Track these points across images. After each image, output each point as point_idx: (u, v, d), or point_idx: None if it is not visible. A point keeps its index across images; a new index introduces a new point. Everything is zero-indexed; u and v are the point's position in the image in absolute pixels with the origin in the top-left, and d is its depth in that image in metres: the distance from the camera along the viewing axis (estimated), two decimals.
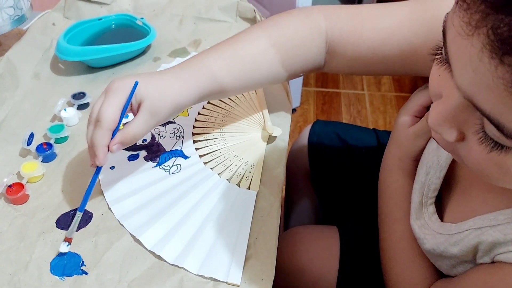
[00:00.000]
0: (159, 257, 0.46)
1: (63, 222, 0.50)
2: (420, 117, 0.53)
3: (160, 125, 0.61)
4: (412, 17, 0.49)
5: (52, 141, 0.58)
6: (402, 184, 0.55)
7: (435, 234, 0.47)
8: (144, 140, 0.60)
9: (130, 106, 0.48)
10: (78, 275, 0.45)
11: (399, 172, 0.55)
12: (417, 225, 0.50)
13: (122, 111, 0.47)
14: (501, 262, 0.39)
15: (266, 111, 0.63)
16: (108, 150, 0.47)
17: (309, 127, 0.83)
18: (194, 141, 0.60)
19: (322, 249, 0.63)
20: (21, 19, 0.75)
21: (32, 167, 0.54)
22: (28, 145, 0.57)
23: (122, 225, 0.49)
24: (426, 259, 0.50)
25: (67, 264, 0.46)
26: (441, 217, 0.48)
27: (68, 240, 0.47)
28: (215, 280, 0.45)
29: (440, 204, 0.50)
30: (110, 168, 0.55)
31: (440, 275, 0.50)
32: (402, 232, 0.53)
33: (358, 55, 0.52)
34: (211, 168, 0.56)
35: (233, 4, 0.83)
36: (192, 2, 0.85)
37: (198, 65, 0.51)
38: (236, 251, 0.47)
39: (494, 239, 0.39)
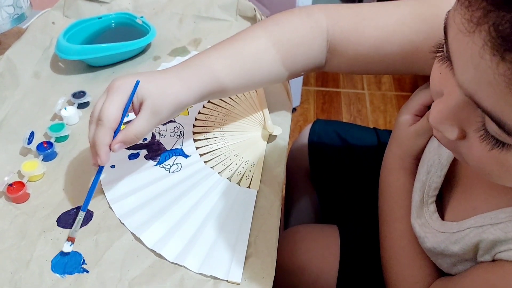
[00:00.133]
0: (160, 256, 0.46)
1: (64, 220, 0.50)
2: (421, 116, 0.53)
3: (160, 124, 0.61)
4: (413, 15, 0.49)
5: (52, 140, 0.58)
6: (403, 183, 0.55)
7: (436, 233, 0.47)
8: (145, 139, 0.60)
9: (131, 105, 0.48)
10: (79, 273, 0.45)
11: (400, 171, 0.55)
12: (418, 224, 0.50)
13: (123, 110, 0.47)
14: (502, 260, 0.39)
15: (266, 110, 0.63)
16: (110, 149, 0.47)
17: (309, 126, 0.83)
18: (195, 140, 0.60)
19: (322, 248, 0.63)
20: (20, 18, 0.75)
21: (33, 166, 0.54)
22: (28, 144, 0.57)
23: (122, 223, 0.49)
24: (427, 258, 0.50)
25: (68, 262, 0.46)
26: (442, 216, 0.48)
27: (71, 240, 0.47)
28: (215, 278, 0.45)
29: (441, 202, 0.50)
30: (111, 167, 0.55)
31: (440, 273, 0.50)
32: (403, 231, 0.53)
33: (359, 53, 0.52)
34: (211, 167, 0.56)
35: (233, 2, 0.83)
36: (192, 0, 0.85)
37: (199, 64, 0.51)
38: (237, 249, 0.47)
39: (495, 237, 0.39)
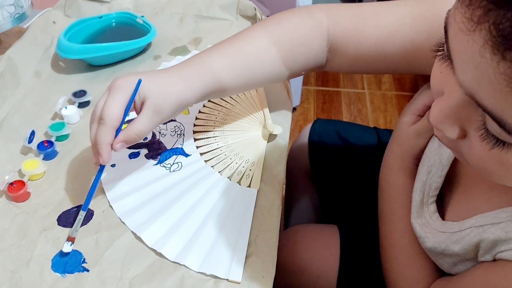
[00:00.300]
0: (160, 255, 0.46)
1: (64, 219, 0.50)
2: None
3: (161, 123, 0.61)
4: (414, 14, 0.49)
5: (53, 139, 0.58)
6: (403, 182, 0.55)
7: (436, 233, 0.47)
8: (145, 138, 0.60)
9: (133, 104, 0.48)
10: (79, 272, 0.45)
11: (400, 171, 0.55)
12: (418, 224, 0.50)
13: (125, 109, 0.47)
14: (502, 260, 0.39)
15: (266, 110, 0.63)
16: (112, 148, 0.47)
17: (309, 125, 0.83)
18: (195, 139, 0.60)
19: (322, 248, 0.63)
20: (21, 17, 0.75)
21: (33, 165, 0.54)
22: (29, 143, 0.57)
23: (123, 222, 0.49)
24: (427, 258, 0.50)
25: (69, 262, 0.46)
26: (442, 216, 0.48)
27: (71, 240, 0.47)
28: (216, 277, 0.45)
29: (441, 202, 0.50)
30: (111, 166, 0.55)
31: (441, 273, 0.50)
32: (403, 231, 0.53)
33: (360, 53, 0.52)
34: (211, 166, 0.56)
35: (234, 2, 0.83)
36: (193, 0, 0.85)
37: (200, 63, 0.51)
38: (237, 248, 0.47)
39: (496, 237, 0.39)
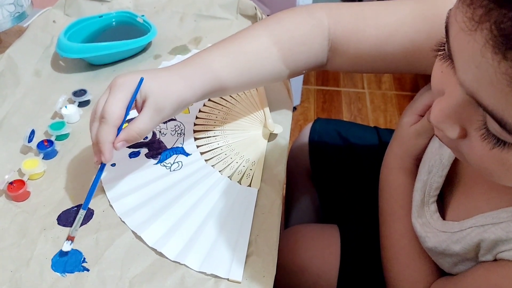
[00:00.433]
0: (161, 254, 0.46)
1: (64, 219, 0.50)
2: None
3: (162, 122, 0.61)
4: (414, 14, 0.49)
5: (53, 138, 0.58)
6: (403, 182, 0.55)
7: (437, 232, 0.46)
8: (145, 137, 0.59)
9: (134, 103, 0.48)
10: (79, 271, 0.45)
11: (400, 171, 0.55)
12: (419, 224, 0.50)
13: (127, 108, 0.46)
14: (503, 260, 0.39)
15: (267, 109, 0.63)
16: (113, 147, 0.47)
17: (310, 125, 0.83)
18: (195, 139, 0.60)
19: (323, 248, 0.63)
20: (21, 16, 0.75)
21: (33, 164, 0.54)
22: (29, 142, 0.57)
23: (123, 222, 0.49)
24: (427, 258, 0.50)
25: (68, 261, 0.46)
26: (443, 216, 0.48)
27: (70, 239, 0.46)
28: (216, 277, 0.45)
29: (442, 202, 0.50)
30: (111, 165, 0.55)
31: (441, 273, 0.50)
32: (403, 231, 0.53)
33: (360, 52, 0.52)
34: (212, 166, 0.56)
35: (234, 1, 0.83)
36: None
37: (201, 62, 0.51)
38: (237, 248, 0.47)
39: (497, 237, 0.39)
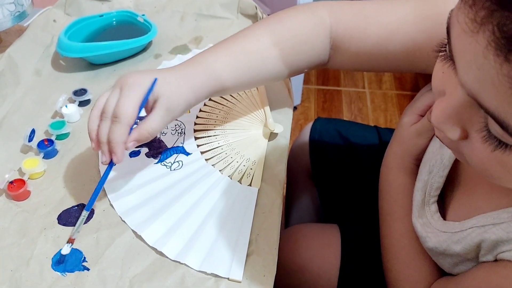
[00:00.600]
0: (161, 253, 0.46)
1: (65, 218, 0.50)
2: None
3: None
4: (416, 13, 0.49)
5: (53, 138, 0.58)
6: (403, 182, 0.55)
7: (438, 232, 0.46)
8: None
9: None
10: (79, 271, 0.45)
11: (400, 171, 0.55)
12: (419, 224, 0.50)
13: (139, 107, 0.46)
14: (504, 260, 0.39)
15: (267, 108, 0.63)
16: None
17: (310, 124, 0.83)
18: (196, 138, 0.60)
19: (323, 247, 0.63)
20: (22, 16, 0.75)
21: (34, 164, 0.54)
22: (29, 141, 0.57)
23: (123, 221, 0.49)
24: (428, 257, 0.50)
25: (69, 260, 0.46)
26: (444, 216, 0.48)
27: (71, 241, 0.46)
28: (216, 276, 0.45)
29: (443, 202, 0.50)
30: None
31: (441, 273, 0.50)
32: (403, 230, 0.53)
33: (362, 51, 0.52)
34: (212, 165, 0.56)
35: (234, 0, 0.83)
36: None
37: (203, 63, 0.51)
38: (238, 247, 0.47)
39: (497, 237, 0.39)
